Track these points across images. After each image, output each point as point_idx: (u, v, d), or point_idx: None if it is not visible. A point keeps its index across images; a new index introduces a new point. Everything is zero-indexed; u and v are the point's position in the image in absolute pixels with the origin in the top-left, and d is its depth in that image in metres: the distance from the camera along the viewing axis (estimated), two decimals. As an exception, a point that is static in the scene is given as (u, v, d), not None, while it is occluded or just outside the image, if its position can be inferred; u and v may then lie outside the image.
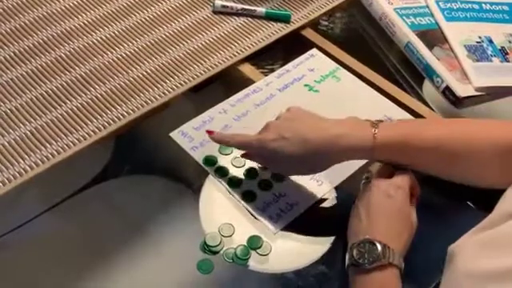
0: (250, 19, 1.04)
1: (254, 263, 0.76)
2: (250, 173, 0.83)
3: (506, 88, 0.96)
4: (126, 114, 0.88)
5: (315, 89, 0.95)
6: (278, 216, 0.79)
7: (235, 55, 0.98)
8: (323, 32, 1.07)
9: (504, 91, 0.97)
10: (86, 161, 0.85)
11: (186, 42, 0.99)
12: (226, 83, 0.97)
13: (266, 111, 0.90)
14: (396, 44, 1.05)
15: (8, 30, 0.98)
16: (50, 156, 0.82)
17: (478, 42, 1.02)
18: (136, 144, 0.89)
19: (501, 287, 0.53)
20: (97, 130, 0.86)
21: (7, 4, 1.01)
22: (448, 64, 0.98)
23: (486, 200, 0.65)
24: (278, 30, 1.03)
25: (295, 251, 0.78)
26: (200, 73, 0.95)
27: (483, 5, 1.09)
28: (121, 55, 0.96)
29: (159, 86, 0.92)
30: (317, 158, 0.75)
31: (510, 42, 1.03)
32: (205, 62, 0.97)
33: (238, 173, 0.83)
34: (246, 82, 0.95)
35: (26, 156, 0.82)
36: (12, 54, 0.94)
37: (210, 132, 0.83)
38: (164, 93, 0.92)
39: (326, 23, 1.10)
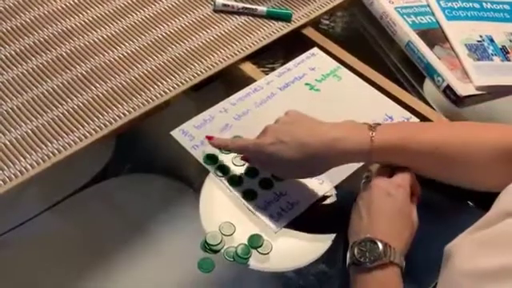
0: (250, 18, 1.04)
1: (255, 262, 0.75)
2: (251, 171, 0.83)
3: (507, 87, 0.96)
4: (126, 112, 0.88)
5: (316, 88, 0.95)
6: (279, 215, 0.79)
7: (236, 54, 0.98)
8: (324, 31, 1.07)
9: (505, 90, 0.97)
10: (86, 160, 0.85)
11: (187, 41, 0.99)
12: (226, 82, 0.97)
13: (266, 110, 0.90)
14: (397, 43, 1.05)
15: (9, 28, 0.98)
16: (51, 155, 0.82)
17: (478, 41, 1.02)
18: (136, 143, 0.89)
19: (498, 286, 0.53)
20: (97, 129, 0.86)
21: (8, 3, 1.01)
22: (449, 63, 0.98)
23: (486, 199, 0.65)
24: (278, 29, 1.03)
25: (296, 250, 0.78)
26: (201, 71, 0.95)
27: (484, 4, 1.09)
28: (121, 54, 0.96)
29: (160, 84, 0.92)
30: (315, 162, 0.76)
31: (510, 40, 1.03)
32: (205, 60, 0.97)
33: (239, 171, 0.83)
34: (247, 81, 0.95)
35: (27, 154, 0.82)
36: (13, 53, 0.94)
37: (209, 137, 0.83)
38: (165, 91, 0.91)
39: (327, 22, 1.10)
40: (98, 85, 0.91)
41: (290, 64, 0.98)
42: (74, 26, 0.99)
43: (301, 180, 0.82)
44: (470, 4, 1.08)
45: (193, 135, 0.87)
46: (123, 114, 0.88)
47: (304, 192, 0.81)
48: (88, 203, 0.81)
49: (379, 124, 0.76)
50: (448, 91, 0.95)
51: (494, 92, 0.96)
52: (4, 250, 0.76)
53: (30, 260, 0.75)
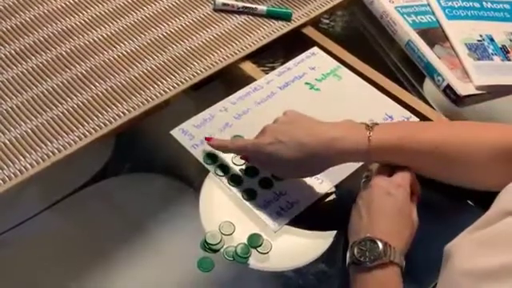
0: (250, 17, 1.04)
1: (255, 261, 0.75)
2: (251, 171, 0.83)
3: (507, 87, 0.96)
4: (126, 111, 0.88)
5: (316, 87, 0.95)
6: (279, 214, 0.79)
7: (236, 53, 0.98)
8: (324, 30, 1.07)
9: (505, 90, 0.97)
10: (86, 159, 0.85)
11: (187, 40, 0.99)
12: (226, 81, 0.97)
13: (266, 109, 0.90)
14: (397, 42, 1.05)
15: (8, 27, 0.97)
16: (51, 154, 0.82)
17: (478, 41, 1.01)
18: (136, 142, 0.89)
19: (498, 285, 0.53)
20: (97, 128, 0.86)
21: (8, 2, 1.01)
22: (449, 62, 0.98)
23: (486, 199, 0.65)
24: (278, 28, 1.03)
25: (295, 249, 0.78)
26: (201, 71, 0.95)
27: (484, 3, 1.09)
28: (121, 53, 0.96)
29: (160, 83, 0.92)
30: (313, 162, 0.76)
31: (510, 40, 1.03)
32: (205, 59, 0.97)
33: (239, 171, 0.83)
34: (247, 80, 0.95)
35: (27, 154, 0.82)
36: (12, 52, 0.94)
37: (208, 139, 0.83)
38: (164, 91, 0.91)
39: (327, 21, 1.10)
40: (97, 84, 0.91)
41: (290, 63, 0.98)
42: (73, 25, 0.99)
43: (300, 179, 0.82)
44: (471, 3, 1.08)
45: (193, 134, 0.86)
46: (123, 113, 0.88)
47: (304, 191, 0.81)
48: (88, 202, 0.81)
49: (377, 123, 0.76)
50: (448, 91, 0.95)
51: (494, 92, 0.96)
52: (4, 250, 0.76)
53: (29, 259, 0.75)
